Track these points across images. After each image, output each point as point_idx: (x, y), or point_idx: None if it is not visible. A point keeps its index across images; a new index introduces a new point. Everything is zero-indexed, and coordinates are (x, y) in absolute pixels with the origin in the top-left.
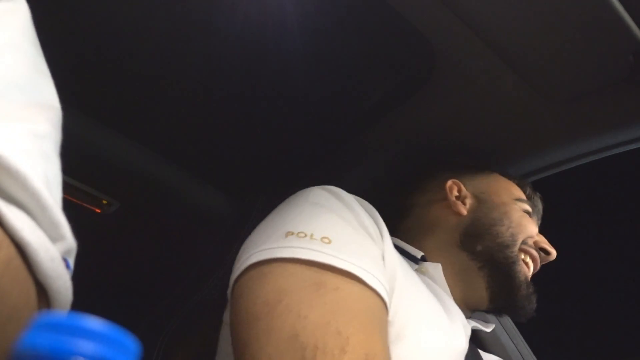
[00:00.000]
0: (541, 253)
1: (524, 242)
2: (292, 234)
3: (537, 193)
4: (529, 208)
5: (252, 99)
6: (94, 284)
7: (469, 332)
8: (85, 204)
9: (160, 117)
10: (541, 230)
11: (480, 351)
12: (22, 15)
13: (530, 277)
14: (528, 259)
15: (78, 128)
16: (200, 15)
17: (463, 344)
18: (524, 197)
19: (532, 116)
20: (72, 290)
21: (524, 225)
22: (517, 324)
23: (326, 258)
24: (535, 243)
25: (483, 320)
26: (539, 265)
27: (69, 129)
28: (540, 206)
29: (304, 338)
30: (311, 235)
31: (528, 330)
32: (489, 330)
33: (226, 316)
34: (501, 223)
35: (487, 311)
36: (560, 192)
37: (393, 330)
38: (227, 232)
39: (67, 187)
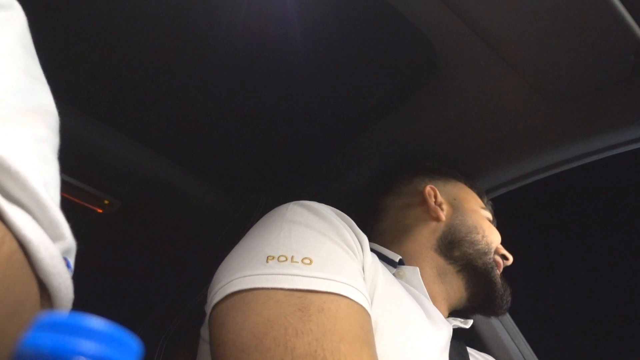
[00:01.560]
0: (502, 259)
1: (495, 252)
2: (273, 258)
3: (490, 202)
4: (490, 216)
5: (253, 99)
6: (96, 284)
7: (450, 331)
8: (87, 204)
9: (162, 117)
10: (544, 230)
11: (470, 350)
12: (19, 23)
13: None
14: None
15: (79, 128)
16: (201, 15)
17: (444, 341)
18: (484, 205)
19: (532, 116)
20: (75, 291)
21: (494, 234)
22: (518, 324)
23: (309, 283)
24: (496, 250)
25: (462, 318)
26: (501, 271)
27: (70, 129)
28: (493, 215)
29: None
30: (292, 258)
31: (529, 330)
32: (467, 326)
33: (204, 333)
34: (476, 231)
35: (468, 310)
36: (560, 192)
37: (375, 335)
38: (228, 232)
39: (68, 187)
